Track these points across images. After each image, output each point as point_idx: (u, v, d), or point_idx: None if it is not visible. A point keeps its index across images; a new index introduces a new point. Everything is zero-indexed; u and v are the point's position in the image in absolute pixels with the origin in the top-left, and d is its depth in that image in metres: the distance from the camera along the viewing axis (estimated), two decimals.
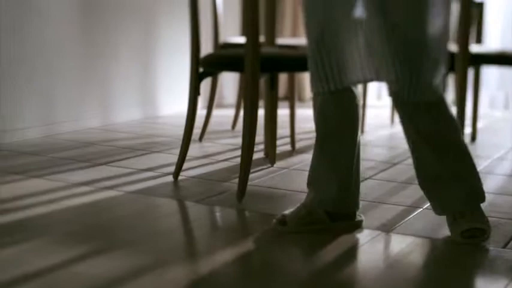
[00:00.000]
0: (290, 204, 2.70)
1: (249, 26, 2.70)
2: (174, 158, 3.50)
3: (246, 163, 2.76)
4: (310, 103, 5.65)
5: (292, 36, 5.77)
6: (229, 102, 5.61)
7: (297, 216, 2.41)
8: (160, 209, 2.65)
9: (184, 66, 5.07)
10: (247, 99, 2.74)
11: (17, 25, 3.84)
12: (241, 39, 4.01)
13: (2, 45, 3.77)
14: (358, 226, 2.44)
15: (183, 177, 3.14)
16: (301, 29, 5.81)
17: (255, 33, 2.70)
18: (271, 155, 3.43)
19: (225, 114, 4.95)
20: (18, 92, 3.88)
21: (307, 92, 5.93)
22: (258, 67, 2.73)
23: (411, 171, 3.29)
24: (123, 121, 4.56)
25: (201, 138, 4.00)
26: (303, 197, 2.82)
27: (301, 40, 4.24)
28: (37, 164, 3.34)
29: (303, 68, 2.89)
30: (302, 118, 4.84)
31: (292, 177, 3.19)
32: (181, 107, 5.05)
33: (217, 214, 2.62)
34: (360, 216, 2.48)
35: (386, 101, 5.61)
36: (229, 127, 4.45)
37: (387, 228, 2.45)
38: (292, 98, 3.79)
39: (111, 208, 2.63)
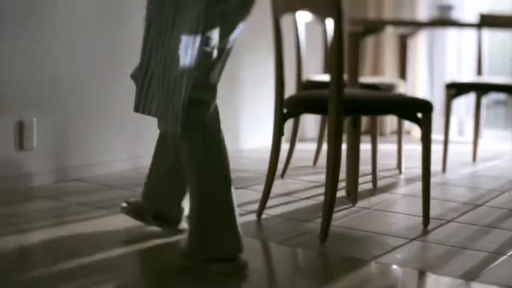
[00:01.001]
0: (373, 246, 2.72)
1: (334, 70, 2.73)
2: (257, 195, 3.55)
3: (330, 205, 2.79)
4: (391, 138, 5.64)
5: (373, 75, 5.78)
6: (310, 136, 5.64)
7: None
8: (244, 249, 2.69)
9: (266, 100, 5.12)
10: (331, 142, 2.77)
11: (110, 62, 3.97)
12: (324, 77, 4.05)
13: (93, 81, 3.90)
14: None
15: (266, 215, 3.18)
16: (382, 67, 5.82)
17: (339, 76, 2.73)
18: (352, 195, 3.45)
19: (305, 149, 4.98)
20: (104, 125, 4.00)
21: (388, 126, 5.92)
22: (342, 111, 2.76)
23: (495, 214, 3.26)
24: None
25: (283, 175, 4.05)
26: (386, 239, 2.83)
27: (383, 79, 4.25)
28: (122, 199, 3.43)
29: (388, 111, 2.92)
30: (383, 154, 4.82)
31: (374, 218, 3.20)
32: (263, 140, 5.11)
33: (300, 257, 2.65)
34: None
35: (469, 136, 5.55)
36: (310, 163, 4.47)
37: (470, 276, 2.44)
38: (374, 134, 3.81)
39: None
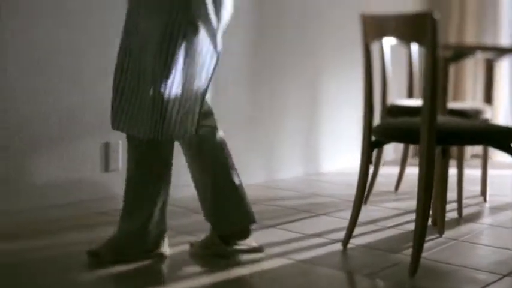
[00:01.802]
0: (465, 283, 2.63)
1: (427, 98, 2.66)
2: (340, 222, 3.50)
3: (420, 237, 2.70)
4: (472, 162, 5.51)
5: (455, 100, 5.67)
6: (389, 159, 5.55)
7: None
8: (330, 282, 2.64)
9: (347, 122, 5.07)
10: (422, 173, 2.70)
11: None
12: (409, 102, 3.97)
13: None
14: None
15: (351, 245, 3.12)
16: (463, 91, 5.70)
17: (433, 106, 2.66)
18: (440, 224, 3.36)
19: (385, 173, 4.90)
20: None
21: (469, 149, 5.79)
22: (434, 141, 2.69)
23: None
24: (285, 177, 4.61)
25: (365, 201, 3.98)
26: (477, 275, 2.73)
27: (469, 104, 4.14)
28: (205, 224, 3.41)
29: (482, 141, 2.82)
30: (465, 179, 4.71)
31: (462, 250, 3.11)
32: (344, 163, 5.05)
33: None
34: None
35: None
36: (391, 188, 4.40)
37: None
38: (461, 162, 3.71)
39: (282, 279, 2.64)
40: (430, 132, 2.67)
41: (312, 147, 4.83)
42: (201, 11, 2.60)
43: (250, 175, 4.39)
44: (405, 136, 2.87)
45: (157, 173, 2.76)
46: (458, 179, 3.70)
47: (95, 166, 3.60)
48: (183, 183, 3.98)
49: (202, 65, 2.66)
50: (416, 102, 4.01)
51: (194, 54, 2.63)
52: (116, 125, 2.71)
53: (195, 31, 2.62)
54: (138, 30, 2.63)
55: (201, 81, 2.66)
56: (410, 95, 4.21)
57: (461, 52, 3.56)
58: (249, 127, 4.36)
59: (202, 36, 2.63)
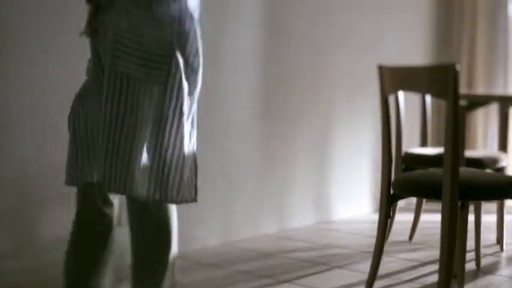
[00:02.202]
0: None
1: (449, 153, 2.60)
2: (356, 276, 3.41)
3: None
4: (486, 205, 5.43)
5: (466, 148, 5.60)
6: (401, 205, 5.48)
7: None
8: None
9: (357, 170, 5.01)
10: (445, 229, 2.62)
11: (208, 138, 3.92)
12: (423, 150, 3.91)
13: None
14: None
15: None
16: (475, 140, 5.63)
17: (455, 163, 2.59)
18: (459, 278, 3.27)
19: (398, 220, 4.82)
20: (198, 200, 3.93)
21: None
22: (457, 197, 2.62)
23: None
24: (297, 226, 4.53)
25: None
26: None
27: (480, 152, 4.08)
28: (218, 280, 3.33)
29: (506, 196, 2.75)
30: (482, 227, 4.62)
31: None
32: (355, 210, 4.98)
33: None
34: None
35: None
36: (405, 237, 4.31)
37: None
38: (478, 212, 3.63)
39: None
40: (453, 188, 2.60)
41: (323, 195, 4.76)
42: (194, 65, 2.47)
43: (262, 225, 4.31)
44: (426, 191, 2.79)
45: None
46: (476, 229, 3.62)
47: None
48: (195, 236, 3.91)
49: (193, 124, 2.53)
50: (431, 150, 3.95)
51: (191, 110, 2.51)
52: (89, 177, 2.45)
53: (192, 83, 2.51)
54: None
55: (192, 141, 2.53)
56: (423, 143, 4.16)
57: (476, 102, 3.51)
58: (260, 176, 4.30)
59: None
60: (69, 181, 2.47)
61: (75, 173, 2.46)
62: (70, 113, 2.48)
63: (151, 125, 2.34)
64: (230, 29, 4.05)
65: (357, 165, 5.00)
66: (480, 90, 5.54)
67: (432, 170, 3.00)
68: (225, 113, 4.06)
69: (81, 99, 2.45)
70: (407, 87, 2.85)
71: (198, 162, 3.92)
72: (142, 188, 2.33)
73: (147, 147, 2.33)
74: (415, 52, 5.49)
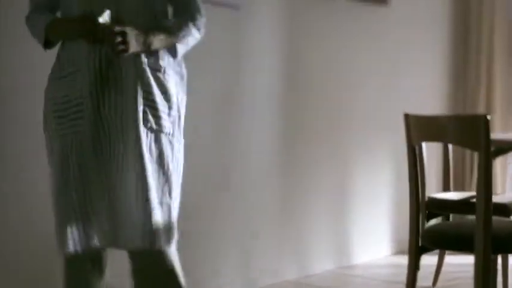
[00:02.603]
0: None
1: (482, 206, 2.54)
2: None
3: None
4: None
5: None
6: None
7: None
8: None
9: (377, 213, 4.95)
10: (478, 283, 2.56)
11: (226, 186, 3.88)
12: (446, 195, 3.85)
13: (209, 200, 3.80)
14: None
15: None
16: (495, 182, 5.57)
17: (488, 215, 2.53)
18: None
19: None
20: (216, 246, 3.89)
21: None
22: (490, 251, 2.55)
23: None
24: (317, 272, 4.46)
25: None
26: None
27: (505, 197, 4.01)
28: None
29: None
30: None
31: None
32: (375, 254, 4.91)
33: None
34: None
35: None
36: (428, 282, 4.23)
37: None
38: (505, 264, 3.57)
39: None
40: (486, 242, 2.54)
41: (343, 239, 4.69)
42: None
43: (281, 271, 4.24)
44: (458, 244, 2.73)
45: None
46: (503, 278, 3.55)
47: None
48: (213, 284, 3.85)
49: (178, 164, 2.54)
50: (454, 195, 3.89)
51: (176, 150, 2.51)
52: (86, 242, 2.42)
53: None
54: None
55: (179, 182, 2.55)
56: (446, 188, 4.11)
57: (504, 148, 3.45)
58: (279, 222, 4.24)
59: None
60: (71, 247, 2.42)
61: (78, 236, 2.41)
62: (54, 150, 2.43)
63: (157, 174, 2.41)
64: (248, 76, 4.02)
65: (376, 208, 4.94)
66: (497, 125, 5.49)
67: (461, 220, 2.94)
68: (243, 160, 4.01)
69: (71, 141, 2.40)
70: (435, 138, 2.81)
71: (217, 210, 3.88)
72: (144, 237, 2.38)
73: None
74: (433, 88, 5.44)
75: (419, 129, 2.81)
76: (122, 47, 2.28)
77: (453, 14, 5.59)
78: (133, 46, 2.31)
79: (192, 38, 2.53)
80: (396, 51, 5.05)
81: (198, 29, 2.55)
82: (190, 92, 2.67)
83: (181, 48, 2.51)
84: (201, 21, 2.56)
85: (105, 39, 2.28)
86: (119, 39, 2.27)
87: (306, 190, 4.42)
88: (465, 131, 2.60)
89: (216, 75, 3.84)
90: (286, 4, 4.20)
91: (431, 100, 5.44)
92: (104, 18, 2.28)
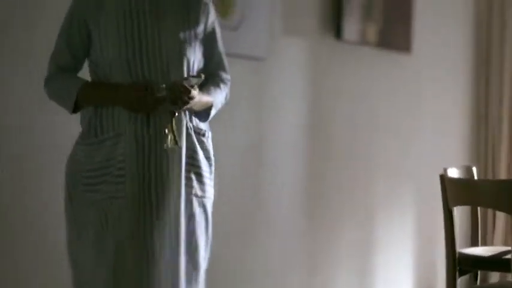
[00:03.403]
0: None
1: None
2: None
3: None
4: None
5: (504, 243, 5.45)
6: None
7: None
8: None
9: (400, 266, 4.88)
10: None
11: (250, 236, 3.82)
12: (478, 251, 3.76)
13: (231, 253, 3.74)
14: None
15: None
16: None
17: None
18: None
19: None
20: None
21: None
22: None
23: None
24: None
25: None
26: None
27: None
28: None
29: None
30: None
31: None
32: None
33: None
34: None
35: None
36: None
37: None
38: None
39: None
40: None
41: (366, 286, 4.62)
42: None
43: None
44: None
45: None
46: None
47: None
48: None
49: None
50: (483, 250, 3.80)
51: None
52: None
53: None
54: None
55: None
56: (474, 242, 4.02)
57: None
58: (302, 274, 4.19)
59: None
60: None
61: None
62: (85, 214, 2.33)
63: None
64: (271, 127, 3.99)
65: (398, 261, 4.87)
66: None
67: (497, 283, 2.85)
68: (266, 213, 3.98)
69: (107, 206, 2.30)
70: (472, 201, 2.75)
71: (240, 263, 3.83)
72: None
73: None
74: (455, 137, 5.40)
75: (456, 192, 2.76)
76: (185, 105, 2.25)
77: (475, 60, 5.57)
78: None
79: (223, 102, 2.50)
80: (419, 98, 5.01)
81: (227, 93, 2.52)
82: (215, 143, 2.60)
83: (213, 113, 2.45)
84: (229, 84, 2.52)
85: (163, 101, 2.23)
86: (186, 98, 2.22)
87: (329, 242, 4.37)
88: (503, 195, 2.55)
89: (240, 127, 3.80)
90: (310, 54, 4.18)
91: (454, 148, 5.38)
92: (162, 93, 2.22)
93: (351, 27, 4.30)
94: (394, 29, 4.69)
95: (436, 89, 5.18)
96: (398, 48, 4.76)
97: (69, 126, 2.64)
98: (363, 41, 4.42)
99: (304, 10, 4.13)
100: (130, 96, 2.24)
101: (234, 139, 3.78)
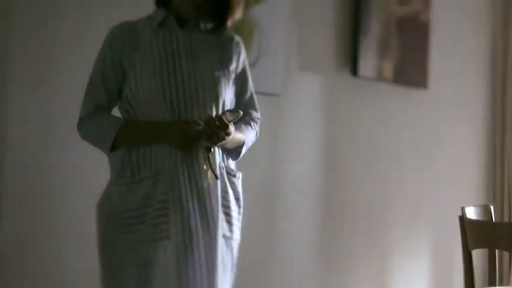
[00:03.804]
0: None
1: None
2: None
3: None
4: None
5: None
6: None
7: None
8: None
9: None
10: None
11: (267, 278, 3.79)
12: None
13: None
14: None
15: None
16: None
17: None
18: None
19: None
20: None
21: None
22: None
23: None
24: None
25: None
26: None
27: None
28: None
29: None
30: None
31: None
32: None
33: None
34: None
35: None
36: None
37: None
38: None
39: None
40: None
41: None
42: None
43: None
44: None
45: None
46: None
47: None
48: None
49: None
50: None
51: None
52: None
53: None
54: None
55: None
56: (492, 283, 3.97)
57: None
58: None
59: None
60: None
61: None
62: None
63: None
64: (286, 164, 3.97)
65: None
66: None
67: None
68: (281, 250, 3.94)
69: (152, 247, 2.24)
70: (494, 245, 2.71)
71: None
72: None
73: None
74: (471, 174, 5.35)
75: (475, 235, 2.72)
76: (221, 141, 2.24)
77: (491, 97, 5.54)
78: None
79: (253, 141, 2.50)
80: (435, 134, 4.98)
81: (257, 132, 2.51)
82: None
83: (244, 151, 2.45)
84: (259, 123, 2.52)
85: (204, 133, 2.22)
86: (223, 134, 2.21)
87: (345, 282, 4.31)
88: None
89: (255, 163, 3.77)
90: (325, 90, 4.17)
91: (470, 184, 5.34)
92: (201, 127, 2.22)
93: (367, 63, 4.29)
94: (410, 65, 4.67)
95: (452, 124, 5.15)
96: (415, 85, 4.74)
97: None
98: (379, 77, 4.41)
99: (320, 47, 4.12)
100: (173, 132, 2.23)
101: (250, 175, 3.72)
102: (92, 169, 2.94)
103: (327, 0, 4.16)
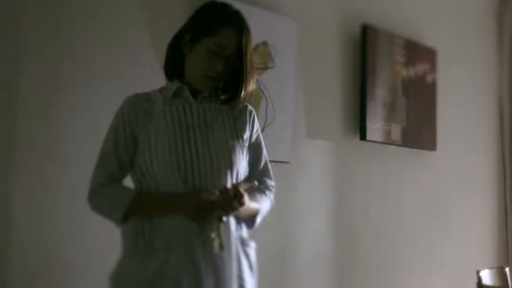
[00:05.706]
0: None
1: None
2: None
3: None
4: None
5: None
6: None
7: None
8: None
9: None
10: None
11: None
12: None
13: None
14: None
15: None
16: None
17: None
18: None
19: None
20: None
21: None
22: None
23: None
24: None
25: None
26: None
27: None
28: None
29: None
30: None
31: None
32: None
33: None
34: None
35: None
36: None
37: None
38: None
39: None
40: None
41: None
42: None
43: None
44: None
45: None
46: None
47: None
48: None
49: None
50: None
51: None
52: None
53: None
54: None
55: None
56: None
57: None
58: None
59: None
60: None
61: None
62: None
63: None
64: (296, 233, 3.91)
65: None
66: None
67: None
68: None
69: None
70: None
71: None
72: None
73: None
74: (482, 234, 5.29)
75: None
76: (234, 211, 2.21)
77: (500, 158, 5.54)
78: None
79: (268, 210, 2.46)
80: (445, 195, 4.94)
81: (272, 200, 2.48)
82: None
83: (259, 220, 2.41)
84: (274, 191, 2.49)
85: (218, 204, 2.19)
86: (236, 204, 2.19)
87: None
88: None
89: (263, 233, 3.70)
90: (334, 156, 4.14)
91: (482, 246, 5.28)
92: (215, 198, 2.19)
93: (375, 127, 4.26)
94: (418, 127, 4.65)
95: (462, 186, 5.11)
96: (423, 146, 4.71)
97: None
98: (388, 141, 4.38)
99: (327, 112, 4.10)
100: (186, 203, 2.20)
101: (258, 246, 3.68)
102: (100, 246, 2.89)
103: (334, 66, 4.15)
